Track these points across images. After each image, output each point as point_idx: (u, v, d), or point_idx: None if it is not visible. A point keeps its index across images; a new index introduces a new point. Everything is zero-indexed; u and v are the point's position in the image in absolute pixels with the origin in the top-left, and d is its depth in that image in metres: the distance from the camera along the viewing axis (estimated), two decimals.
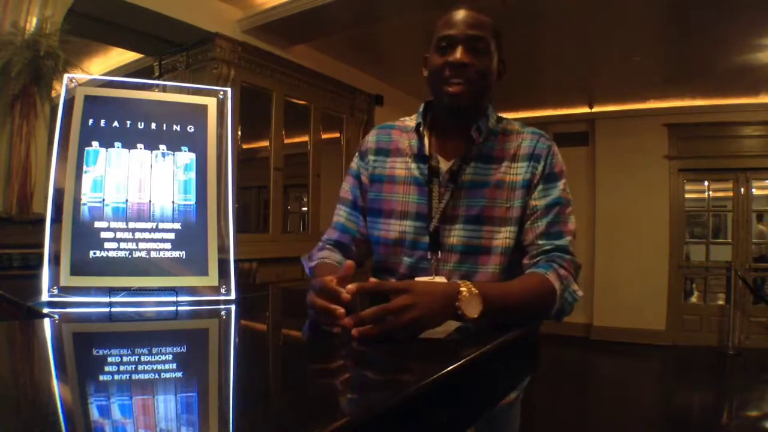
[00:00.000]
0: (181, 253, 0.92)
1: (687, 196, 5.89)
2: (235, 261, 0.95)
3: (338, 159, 4.62)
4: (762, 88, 5.00)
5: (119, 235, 0.90)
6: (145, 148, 0.94)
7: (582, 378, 4.98)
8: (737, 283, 5.32)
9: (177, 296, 0.88)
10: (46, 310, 0.80)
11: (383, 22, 3.62)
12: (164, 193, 0.94)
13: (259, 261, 3.60)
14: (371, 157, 1.16)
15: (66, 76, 0.93)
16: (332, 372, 0.63)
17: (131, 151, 0.94)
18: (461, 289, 0.77)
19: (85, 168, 0.90)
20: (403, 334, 0.70)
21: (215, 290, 0.92)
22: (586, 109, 6.02)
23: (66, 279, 0.85)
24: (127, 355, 0.64)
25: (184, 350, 0.70)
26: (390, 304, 0.70)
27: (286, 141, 4.04)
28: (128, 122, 0.94)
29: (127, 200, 0.92)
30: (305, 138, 4.31)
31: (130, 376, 0.55)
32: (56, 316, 0.78)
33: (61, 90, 0.92)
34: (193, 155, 0.97)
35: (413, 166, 1.10)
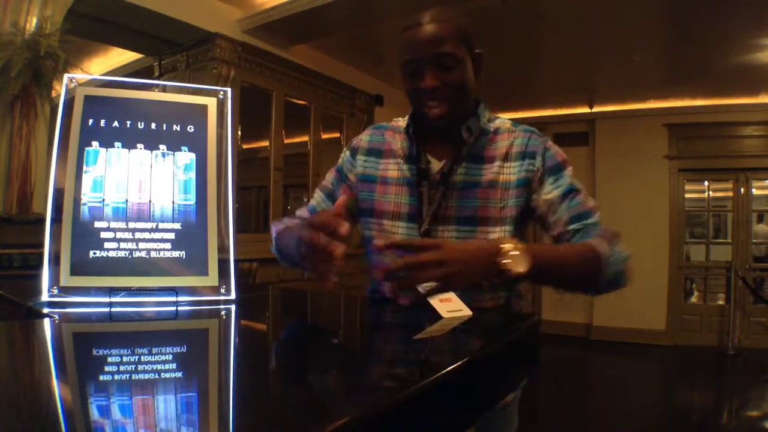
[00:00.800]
0: (181, 253, 0.92)
1: (687, 196, 5.89)
2: (235, 261, 0.95)
3: (338, 159, 4.61)
4: (762, 88, 5.00)
5: (119, 235, 0.90)
6: (145, 148, 0.94)
7: (582, 378, 4.98)
8: (737, 283, 5.32)
9: (177, 296, 0.88)
10: (46, 310, 0.80)
11: (383, 22, 3.62)
12: (164, 193, 0.94)
13: (259, 261, 3.60)
14: (361, 157, 1.16)
15: (66, 76, 0.93)
16: (332, 372, 0.63)
17: (131, 151, 0.94)
18: (504, 245, 0.77)
19: (85, 168, 0.90)
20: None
21: (215, 290, 0.92)
22: (586, 109, 6.02)
23: (66, 279, 0.85)
24: (127, 355, 0.64)
25: (184, 350, 0.70)
26: (417, 258, 0.70)
27: (286, 141, 4.04)
28: (128, 122, 0.94)
29: (127, 200, 0.92)
30: (305, 138, 4.31)
31: (130, 376, 0.55)
32: (56, 316, 0.78)
33: (61, 90, 0.92)
34: (193, 155, 0.97)
35: (405, 167, 1.10)
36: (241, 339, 0.81)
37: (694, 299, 5.97)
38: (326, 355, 0.70)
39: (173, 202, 0.94)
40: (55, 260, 0.85)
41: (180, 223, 0.93)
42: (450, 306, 0.86)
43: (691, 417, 3.79)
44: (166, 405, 0.48)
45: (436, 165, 1.08)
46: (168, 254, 0.91)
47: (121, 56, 4.10)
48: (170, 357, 0.64)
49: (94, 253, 0.88)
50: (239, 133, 3.60)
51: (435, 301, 0.87)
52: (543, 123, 5.80)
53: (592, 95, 5.75)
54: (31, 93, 2.42)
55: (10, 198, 2.40)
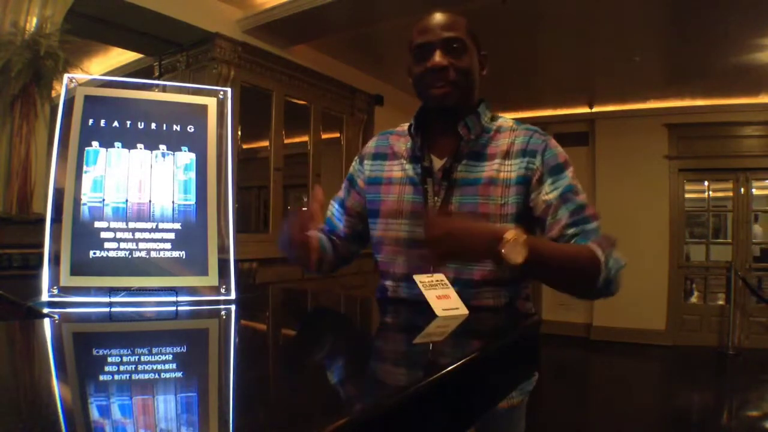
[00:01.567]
0: (181, 253, 0.92)
1: (687, 196, 5.88)
2: (235, 261, 0.95)
3: (338, 159, 4.61)
4: (762, 88, 5.00)
5: (119, 235, 0.90)
6: (145, 148, 0.94)
7: (582, 378, 4.98)
8: (737, 283, 5.32)
9: (177, 296, 0.88)
10: (46, 310, 0.80)
11: (383, 22, 3.62)
12: (164, 193, 0.94)
13: (259, 261, 3.60)
14: (368, 162, 1.20)
15: (66, 76, 0.93)
16: (332, 372, 0.63)
17: (131, 151, 0.94)
18: (506, 235, 0.80)
19: (85, 168, 0.90)
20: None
21: (215, 290, 0.92)
22: (586, 109, 6.02)
23: (66, 279, 0.85)
24: (127, 355, 0.64)
25: (184, 350, 0.70)
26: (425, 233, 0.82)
27: (286, 141, 4.03)
28: (128, 122, 0.94)
29: (127, 200, 0.92)
30: (305, 138, 4.31)
31: (130, 376, 0.55)
32: (56, 316, 0.78)
33: (61, 90, 0.92)
34: (193, 155, 0.97)
35: (408, 167, 1.12)
36: (241, 339, 0.81)
37: (694, 299, 5.96)
38: (326, 356, 0.70)
39: (173, 202, 0.94)
40: (55, 260, 0.85)
41: (180, 223, 0.93)
42: (446, 303, 0.86)
43: (691, 417, 3.80)
44: (166, 405, 0.48)
45: (438, 163, 1.09)
46: (168, 254, 0.91)
47: (121, 56, 4.10)
48: (170, 357, 0.64)
49: (94, 253, 0.88)
50: (239, 133, 3.59)
51: (432, 297, 0.87)
52: (543, 123, 5.79)
53: (592, 95, 5.75)
54: (31, 93, 2.42)
55: (10, 198, 2.40)
